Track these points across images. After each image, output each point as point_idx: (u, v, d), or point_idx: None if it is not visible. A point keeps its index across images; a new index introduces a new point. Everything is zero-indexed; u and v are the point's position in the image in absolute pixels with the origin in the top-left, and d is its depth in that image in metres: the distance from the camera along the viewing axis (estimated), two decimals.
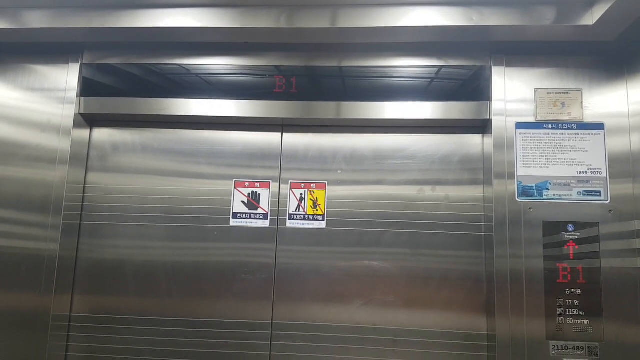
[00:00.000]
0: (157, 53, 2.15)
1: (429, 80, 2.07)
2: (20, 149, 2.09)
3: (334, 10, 1.92)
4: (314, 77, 2.10)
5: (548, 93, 1.99)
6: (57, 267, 2.02)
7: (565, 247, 1.88)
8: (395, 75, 2.08)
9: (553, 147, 1.96)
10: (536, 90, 2.00)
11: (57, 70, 2.15)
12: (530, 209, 1.92)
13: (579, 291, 1.86)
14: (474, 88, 2.04)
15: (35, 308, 2.00)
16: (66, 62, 2.15)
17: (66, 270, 2.09)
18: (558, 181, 1.93)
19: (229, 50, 2.13)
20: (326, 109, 2.07)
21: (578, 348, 1.83)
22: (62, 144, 2.08)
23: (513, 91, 2.00)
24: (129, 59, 2.16)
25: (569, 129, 1.96)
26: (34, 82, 2.14)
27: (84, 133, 2.19)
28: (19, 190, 2.06)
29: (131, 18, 1.98)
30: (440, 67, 2.07)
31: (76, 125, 2.12)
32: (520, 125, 1.98)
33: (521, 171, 1.95)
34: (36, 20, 2.00)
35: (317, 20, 1.92)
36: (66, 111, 2.11)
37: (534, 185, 1.94)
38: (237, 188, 2.14)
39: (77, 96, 2.12)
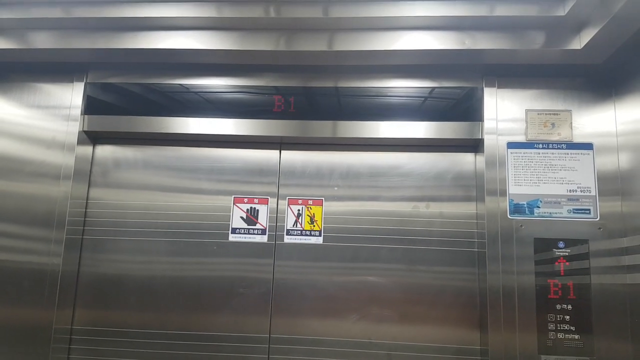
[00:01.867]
0: (159, 73, 2.21)
1: (423, 100, 2.13)
2: (26, 165, 2.14)
3: (330, 34, 1.99)
4: (311, 97, 2.16)
5: (538, 114, 2.05)
6: (60, 281, 2.06)
7: (556, 263, 1.93)
8: (389, 95, 2.14)
9: (543, 166, 2.01)
10: (527, 110, 2.06)
11: (62, 88, 2.21)
12: (521, 226, 1.97)
13: (569, 307, 1.90)
14: (467, 108, 2.10)
15: (37, 321, 2.03)
16: (71, 81, 2.21)
17: (68, 285, 2.13)
18: (549, 199, 1.99)
19: (229, 71, 2.19)
20: (323, 128, 2.13)
21: None
22: (66, 160, 2.14)
23: (504, 111, 2.06)
24: (132, 79, 2.22)
25: (559, 148, 2.02)
26: (40, 100, 2.20)
27: (87, 150, 2.24)
28: (23, 205, 2.11)
29: (134, 39, 2.04)
30: (434, 89, 2.13)
31: (80, 142, 2.17)
32: (511, 145, 2.04)
33: (513, 189, 2.00)
34: (42, 40, 2.06)
35: (315, 44, 1.99)
36: (70, 128, 2.16)
37: (525, 203, 1.99)
38: (236, 204, 2.19)
39: (81, 114, 2.18)
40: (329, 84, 2.16)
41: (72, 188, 2.12)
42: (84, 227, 2.21)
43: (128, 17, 1.98)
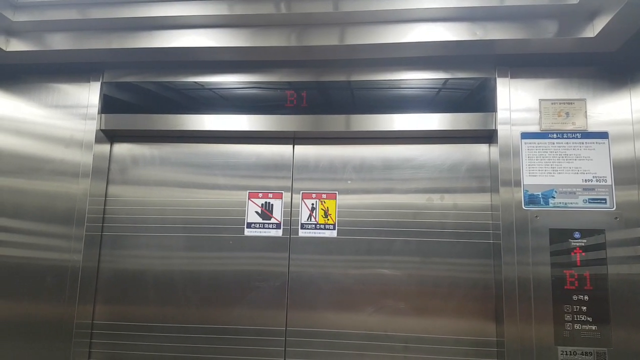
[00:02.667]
0: (174, 71, 2.25)
1: (436, 92, 2.13)
2: (45, 164, 2.19)
3: (342, 28, 2.00)
4: (323, 92, 2.17)
5: (552, 103, 2.03)
6: (81, 277, 2.11)
7: (572, 254, 1.92)
8: (402, 88, 2.14)
9: (558, 156, 2.00)
10: (540, 100, 2.04)
11: (79, 88, 2.25)
12: (536, 216, 1.96)
13: (586, 297, 1.88)
14: (480, 99, 2.09)
15: (59, 316, 2.08)
16: (88, 80, 2.25)
17: (89, 280, 2.18)
18: (564, 189, 1.97)
19: (242, 68, 2.22)
20: (336, 122, 2.14)
21: (586, 353, 1.85)
22: (85, 159, 2.18)
23: (518, 102, 2.05)
24: (147, 77, 2.25)
25: (573, 138, 2.01)
26: (58, 100, 2.25)
27: (105, 148, 2.29)
28: (43, 203, 2.16)
29: (149, 38, 2.08)
30: (446, 80, 2.13)
31: (98, 140, 2.22)
32: (525, 135, 2.03)
33: (527, 180, 1.99)
34: (59, 42, 2.10)
35: (326, 38, 2.00)
36: (88, 127, 2.21)
37: (540, 193, 1.98)
38: (251, 199, 2.22)
39: (98, 113, 2.22)
40: (341, 77, 2.17)
41: (91, 185, 2.17)
42: (103, 223, 2.26)
43: (142, 17, 2.01)
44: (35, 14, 2.03)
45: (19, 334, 2.09)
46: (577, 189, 1.97)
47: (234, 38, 2.05)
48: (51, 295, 2.10)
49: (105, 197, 2.28)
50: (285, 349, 2.10)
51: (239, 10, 1.97)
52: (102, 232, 2.25)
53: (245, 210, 2.21)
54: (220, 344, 2.12)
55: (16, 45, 2.10)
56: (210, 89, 2.22)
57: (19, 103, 2.26)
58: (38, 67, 2.24)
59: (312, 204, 2.19)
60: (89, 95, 2.24)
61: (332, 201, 2.18)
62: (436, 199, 2.14)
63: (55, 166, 2.19)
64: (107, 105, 2.25)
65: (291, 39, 2.02)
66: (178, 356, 2.13)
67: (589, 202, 1.95)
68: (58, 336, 2.07)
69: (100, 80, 2.25)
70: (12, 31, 2.09)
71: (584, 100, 2.02)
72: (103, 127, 2.23)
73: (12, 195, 2.18)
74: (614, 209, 1.93)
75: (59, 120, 2.23)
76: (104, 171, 2.28)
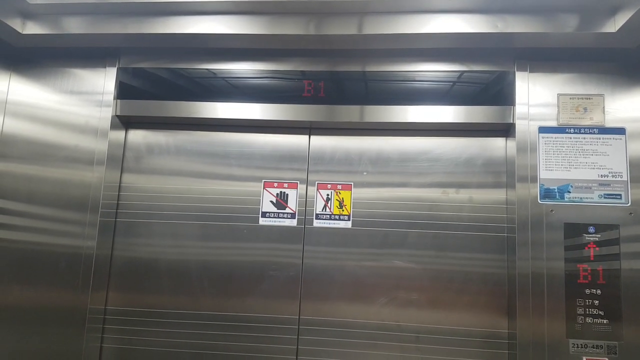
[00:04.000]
0: (190, 58, 2.23)
1: (452, 84, 2.12)
2: (60, 150, 2.18)
3: (360, 18, 1.98)
4: (340, 82, 2.17)
5: (570, 98, 2.03)
6: (94, 264, 2.11)
7: (586, 248, 1.93)
8: (418, 79, 2.13)
9: (575, 150, 2.00)
10: (559, 95, 2.04)
11: (95, 74, 2.24)
12: (552, 211, 1.97)
13: (599, 291, 1.90)
14: (498, 92, 2.09)
15: (73, 302, 2.09)
16: (104, 66, 2.23)
17: (102, 267, 2.18)
18: (579, 184, 1.98)
19: (258, 56, 2.20)
20: (352, 113, 2.13)
21: (597, 347, 1.88)
22: (100, 146, 2.17)
23: (536, 96, 2.05)
24: (163, 64, 2.24)
25: (590, 133, 2.01)
26: (73, 85, 2.23)
27: (120, 135, 2.28)
28: (58, 190, 2.16)
29: (165, 24, 2.06)
30: (464, 72, 2.12)
31: (113, 127, 2.21)
32: (543, 129, 2.03)
33: (543, 174, 2.00)
34: (75, 26, 2.08)
35: (344, 27, 1.98)
36: (103, 113, 2.19)
37: (555, 188, 1.99)
38: (266, 188, 2.21)
39: (114, 99, 2.21)
40: (357, 68, 2.16)
41: (106, 173, 2.16)
42: (117, 210, 2.25)
43: (159, 2, 1.98)
44: None
45: (33, 319, 2.09)
46: (593, 184, 1.98)
47: (250, 25, 2.03)
48: (65, 281, 2.10)
49: (120, 184, 2.27)
50: (298, 337, 2.11)
51: None
52: (116, 219, 2.25)
53: (260, 199, 2.21)
54: (233, 331, 2.14)
55: (32, 28, 2.07)
56: (226, 77, 2.21)
57: (34, 88, 2.24)
58: (54, 52, 2.22)
59: (327, 195, 2.19)
60: (105, 80, 2.22)
61: (348, 192, 2.18)
62: (451, 193, 2.15)
63: (69, 153, 2.18)
64: (123, 91, 2.23)
65: (309, 28, 2.00)
66: (190, 343, 2.15)
67: (604, 198, 1.96)
68: (71, 322, 2.08)
69: (117, 66, 2.23)
70: (28, 14, 2.07)
71: (602, 95, 2.02)
72: (118, 113, 2.22)
73: (26, 182, 2.17)
74: (629, 204, 1.94)
75: (74, 106, 2.21)
76: (118, 158, 2.27)
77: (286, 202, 2.20)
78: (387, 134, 2.21)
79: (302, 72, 2.18)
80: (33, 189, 2.16)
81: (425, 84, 2.13)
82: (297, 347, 2.11)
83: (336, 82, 2.17)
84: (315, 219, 2.18)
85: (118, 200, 2.26)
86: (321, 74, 2.17)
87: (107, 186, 2.18)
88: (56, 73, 2.24)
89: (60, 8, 2.04)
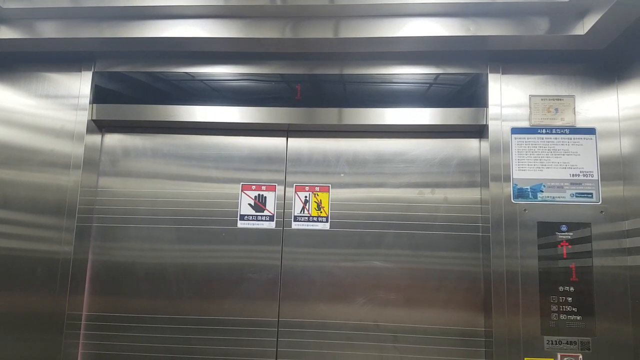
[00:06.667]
0: (166, 61, 2.23)
1: (428, 87, 2.15)
2: (35, 155, 2.16)
3: (336, 21, 2.00)
4: (317, 85, 2.18)
5: (542, 99, 2.07)
6: (72, 269, 2.09)
7: (559, 246, 1.97)
8: (395, 82, 2.16)
9: (547, 151, 2.04)
10: (531, 96, 2.08)
11: (70, 78, 2.22)
12: (525, 210, 2.00)
13: (571, 289, 1.94)
14: (471, 94, 2.12)
15: (50, 308, 2.07)
16: (79, 70, 2.22)
17: (80, 272, 2.16)
18: (552, 183, 2.02)
19: (236, 59, 2.20)
20: (329, 115, 2.15)
21: (571, 342, 1.91)
22: (76, 150, 2.16)
23: (509, 97, 2.09)
24: (139, 67, 2.23)
25: (562, 133, 2.05)
26: (48, 89, 2.21)
27: (96, 139, 2.27)
28: (34, 195, 2.13)
29: (141, 28, 2.05)
30: (439, 75, 2.15)
31: (89, 131, 2.19)
32: (515, 130, 2.06)
33: (517, 174, 2.04)
34: (50, 30, 2.06)
35: (320, 31, 2.00)
36: (79, 117, 2.18)
37: (528, 187, 2.02)
38: (244, 191, 2.22)
39: (89, 103, 2.19)
40: (334, 71, 2.18)
41: (82, 177, 2.14)
42: (94, 215, 2.24)
43: (135, 6, 1.98)
44: (26, 2, 1.99)
45: (10, 326, 2.07)
46: (565, 184, 2.01)
47: (227, 29, 2.03)
48: (42, 287, 2.08)
49: (97, 188, 2.26)
50: (277, 339, 2.12)
51: (234, 0, 1.95)
52: (92, 224, 2.23)
53: (238, 202, 2.22)
54: (212, 335, 2.14)
55: (6, 33, 2.05)
56: (203, 80, 2.21)
57: (9, 93, 2.22)
58: (28, 56, 2.20)
59: (305, 197, 2.20)
60: (81, 84, 2.20)
61: (325, 194, 2.20)
62: (427, 193, 2.17)
63: (45, 157, 2.16)
64: (99, 95, 2.22)
65: (285, 31, 2.02)
66: (169, 347, 2.14)
67: (576, 196, 2.00)
68: (49, 328, 2.06)
69: (92, 70, 2.22)
70: (1, 18, 2.05)
71: (572, 96, 2.07)
72: (94, 118, 2.20)
73: (1, 187, 2.14)
74: (599, 203, 1.98)
75: (50, 110, 2.19)
76: (95, 162, 2.26)
77: (264, 204, 2.20)
78: (364, 136, 2.23)
79: (280, 75, 2.20)
80: (8, 194, 2.14)
81: (402, 87, 2.16)
82: (277, 350, 2.11)
83: (314, 85, 2.18)
84: (294, 221, 2.19)
85: (95, 205, 2.24)
86: (299, 77, 2.19)
87: (84, 190, 2.17)
88: (31, 77, 2.22)
89: (35, 12, 2.02)
